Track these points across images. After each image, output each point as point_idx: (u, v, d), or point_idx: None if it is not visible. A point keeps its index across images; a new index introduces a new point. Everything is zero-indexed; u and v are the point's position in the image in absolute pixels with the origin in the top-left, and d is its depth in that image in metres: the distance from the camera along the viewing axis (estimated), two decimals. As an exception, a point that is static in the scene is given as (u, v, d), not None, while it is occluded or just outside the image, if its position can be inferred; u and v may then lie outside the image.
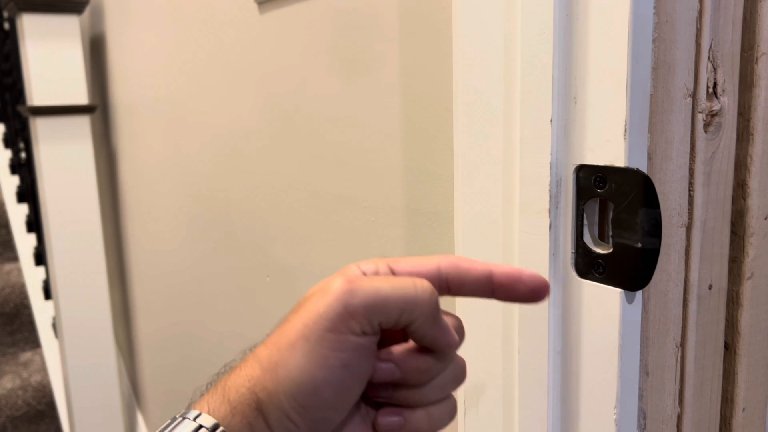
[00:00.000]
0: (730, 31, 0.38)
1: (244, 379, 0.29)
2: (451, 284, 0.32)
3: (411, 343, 0.31)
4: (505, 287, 0.31)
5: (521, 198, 0.39)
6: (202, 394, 0.30)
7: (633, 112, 0.34)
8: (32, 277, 2.21)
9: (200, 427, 0.27)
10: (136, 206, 1.63)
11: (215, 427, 0.27)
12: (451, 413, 0.33)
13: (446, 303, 0.32)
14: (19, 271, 2.24)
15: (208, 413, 0.28)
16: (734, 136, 0.40)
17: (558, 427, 0.40)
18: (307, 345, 0.28)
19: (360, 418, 0.31)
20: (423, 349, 0.31)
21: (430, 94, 0.58)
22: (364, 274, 0.31)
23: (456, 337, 0.31)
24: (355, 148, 0.70)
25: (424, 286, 0.30)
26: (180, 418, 0.28)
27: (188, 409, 0.29)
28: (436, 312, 0.30)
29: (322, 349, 0.28)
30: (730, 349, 0.43)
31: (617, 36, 0.34)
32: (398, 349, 0.31)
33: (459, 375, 0.33)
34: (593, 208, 0.37)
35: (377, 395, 0.31)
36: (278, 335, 0.29)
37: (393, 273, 0.32)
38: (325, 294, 0.28)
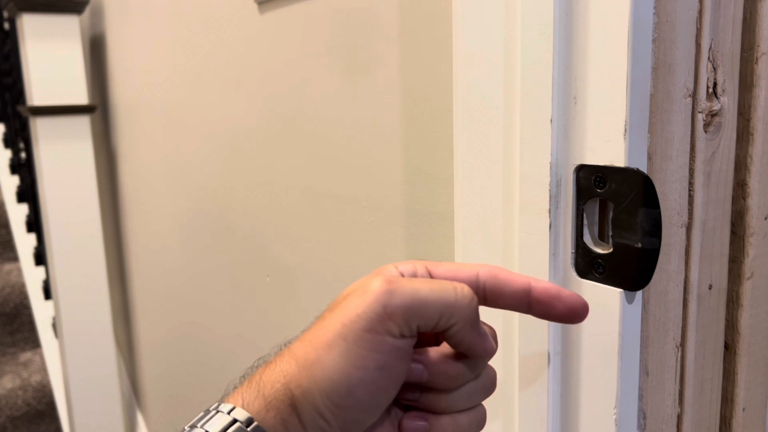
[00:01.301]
0: (730, 31, 0.38)
1: (280, 374, 0.28)
2: (488, 293, 0.31)
3: (443, 347, 0.31)
4: (542, 304, 0.31)
5: (521, 198, 0.39)
6: (235, 387, 0.29)
7: (633, 112, 0.34)
8: (32, 277, 2.21)
9: (234, 421, 0.27)
10: (136, 206, 1.63)
11: (249, 421, 0.27)
12: (479, 424, 0.32)
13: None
14: (19, 271, 2.24)
15: (242, 407, 0.28)
16: (734, 136, 0.40)
17: (558, 427, 0.40)
18: (345, 344, 0.27)
19: (389, 420, 0.31)
20: (454, 354, 0.30)
21: (430, 93, 0.58)
22: (402, 275, 0.31)
23: (493, 344, 0.31)
24: (355, 147, 0.70)
25: (464, 291, 0.29)
26: (213, 411, 0.28)
27: (221, 401, 0.29)
28: (475, 318, 0.29)
29: (360, 350, 0.27)
30: (730, 349, 0.43)
31: (617, 36, 0.34)
32: (429, 351, 0.30)
33: (488, 385, 0.32)
34: (593, 208, 0.37)
35: (404, 397, 0.31)
36: (315, 332, 0.29)
37: (430, 276, 0.31)
38: (364, 294, 0.28)
